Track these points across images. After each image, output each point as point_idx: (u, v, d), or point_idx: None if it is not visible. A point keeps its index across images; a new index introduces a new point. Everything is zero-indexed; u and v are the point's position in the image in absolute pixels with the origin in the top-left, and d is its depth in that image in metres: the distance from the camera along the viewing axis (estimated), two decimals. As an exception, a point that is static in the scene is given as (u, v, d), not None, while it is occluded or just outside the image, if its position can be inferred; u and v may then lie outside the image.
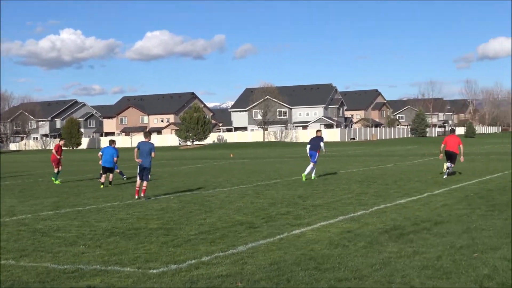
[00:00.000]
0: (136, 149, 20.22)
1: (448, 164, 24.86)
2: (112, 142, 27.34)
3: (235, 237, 11.95)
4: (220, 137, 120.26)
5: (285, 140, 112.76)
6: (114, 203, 18.85)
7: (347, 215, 14.56)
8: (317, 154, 26.28)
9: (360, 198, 18.00)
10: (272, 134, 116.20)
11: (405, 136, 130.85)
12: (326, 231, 12.30)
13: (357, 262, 9.43)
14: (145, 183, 19.87)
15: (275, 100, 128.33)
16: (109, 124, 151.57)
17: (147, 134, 20.63)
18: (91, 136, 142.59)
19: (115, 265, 9.74)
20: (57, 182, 27.91)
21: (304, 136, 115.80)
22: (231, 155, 59.69)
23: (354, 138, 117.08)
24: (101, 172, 26.19)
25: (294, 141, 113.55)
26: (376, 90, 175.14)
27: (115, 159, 25.87)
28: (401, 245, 10.63)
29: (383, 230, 12.16)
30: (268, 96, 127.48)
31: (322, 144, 26.40)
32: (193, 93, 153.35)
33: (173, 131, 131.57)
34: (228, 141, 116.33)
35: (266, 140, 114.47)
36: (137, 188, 20.06)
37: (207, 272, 9.09)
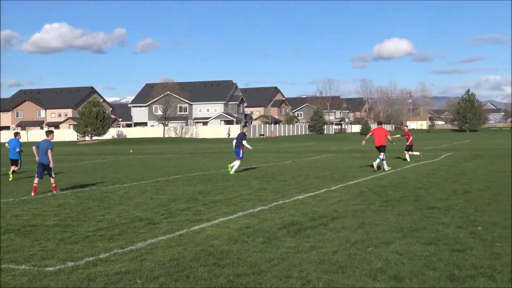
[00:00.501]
0: (34, 147, 20.15)
1: (381, 156, 26.60)
2: (16, 134, 28.49)
3: (134, 234, 11.87)
4: (119, 132, 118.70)
5: (186, 136, 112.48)
6: (8, 199, 18.31)
7: (246, 211, 14.71)
8: (241, 150, 26.98)
9: (259, 194, 18.20)
10: (173, 129, 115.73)
11: (303, 133, 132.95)
12: (225, 227, 12.39)
13: (256, 257, 9.56)
14: (52, 179, 19.91)
15: (175, 96, 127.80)
16: (4, 118, 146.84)
17: (49, 132, 20.32)
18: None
19: (9, 263, 9.50)
20: None
21: (204, 132, 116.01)
22: (131, 151, 59.01)
23: (262, 135, 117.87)
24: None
25: (194, 137, 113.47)
26: (276, 88, 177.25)
27: (18, 150, 27.03)
28: (299, 240, 10.84)
29: (281, 226, 12.36)
30: (168, 92, 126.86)
31: (244, 142, 27.07)
32: (92, 88, 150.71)
33: (71, 126, 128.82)
34: (127, 136, 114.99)
35: (166, 136, 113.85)
36: (34, 185, 19.66)
37: (105, 269, 9.00)
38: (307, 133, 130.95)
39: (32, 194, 19.39)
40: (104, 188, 21.28)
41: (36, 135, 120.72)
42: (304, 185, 20.69)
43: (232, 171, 26.52)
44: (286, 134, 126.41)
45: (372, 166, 26.97)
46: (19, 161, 27.63)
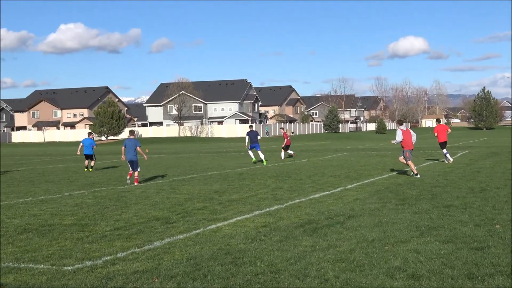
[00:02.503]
0: (123, 147, 23.03)
1: (444, 151, 29.36)
2: (90, 134, 33.46)
3: (151, 233, 11.91)
4: (135, 132, 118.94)
5: (201, 135, 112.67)
6: (26, 199, 18.44)
7: (263, 209, 14.72)
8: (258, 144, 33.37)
9: (275, 193, 18.20)
10: (188, 129, 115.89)
11: (318, 131, 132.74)
12: (242, 226, 12.41)
13: (273, 256, 9.56)
14: (136, 172, 22.51)
15: (190, 95, 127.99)
16: (20, 118, 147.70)
17: (132, 132, 23.94)
18: (2, 131, 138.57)
19: (28, 263, 9.56)
20: None
21: (220, 131, 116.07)
22: (146, 150, 59.11)
23: (293, 132, 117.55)
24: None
25: (209, 136, 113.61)
26: (290, 86, 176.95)
27: (93, 146, 31.41)
28: (316, 239, 10.83)
29: (298, 225, 12.35)
30: (183, 91, 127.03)
31: (258, 137, 33.70)
32: (107, 88, 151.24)
33: (87, 126, 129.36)
34: (143, 136, 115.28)
35: (181, 135, 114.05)
36: (130, 174, 22.64)
37: (123, 268, 9.04)
38: (322, 131, 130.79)
39: (135, 183, 22.15)
40: (121, 187, 21.36)
41: (52, 135, 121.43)
42: (320, 184, 20.67)
43: (265, 163, 31.97)
44: (301, 133, 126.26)
45: (448, 161, 28.98)
46: (93, 156, 31.48)
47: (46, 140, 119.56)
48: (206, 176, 25.23)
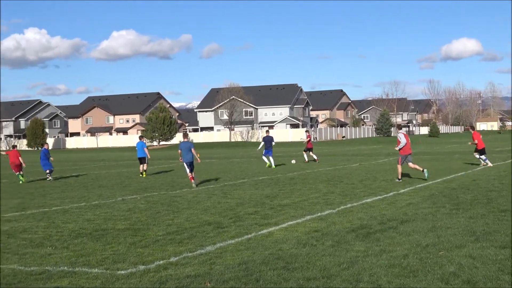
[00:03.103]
0: (179, 150, 24.55)
1: (483, 156, 29.89)
2: (141, 137, 33.70)
3: (203, 237, 11.96)
4: (188, 134, 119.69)
5: (252, 140, 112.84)
6: (80, 204, 18.72)
7: (314, 214, 14.65)
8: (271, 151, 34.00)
9: (327, 198, 18.10)
10: (239, 134, 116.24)
11: (370, 135, 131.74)
12: (293, 231, 12.37)
13: (325, 261, 9.50)
14: (193, 173, 24.06)
15: (240, 100, 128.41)
16: (74, 125, 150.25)
17: (185, 135, 25.18)
18: (56, 137, 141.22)
19: (82, 267, 9.69)
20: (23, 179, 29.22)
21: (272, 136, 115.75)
22: (198, 155, 59.48)
23: (344, 137, 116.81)
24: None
25: (260, 141, 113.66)
26: (341, 90, 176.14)
27: (145, 149, 31.53)
28: (368, 244, 10.73)
29: (350, 229, 12.26)
30: (233, 96, 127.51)
31: (273, 143, 34.85)
32: (158, 93, 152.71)
33: (139, 131, 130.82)
34: (194, 141, 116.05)
35: (232, 140, 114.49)
36: (190, 176, 23.93)
37: (176, 273, 9.09)
38: (374, 135, 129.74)
39: (193, 184, 23.59)
40: (173, 192, 21.53)
41: (105, 140, 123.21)
42: (372, 188, 20.49)
43: (273, 166, 33.67)
44: (353, 137, 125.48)
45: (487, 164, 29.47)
46: (146, 159, 31.80)
47: (99, 146, 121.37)
48: (257, 180, 25.25)
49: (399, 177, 22.86)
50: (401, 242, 10.79)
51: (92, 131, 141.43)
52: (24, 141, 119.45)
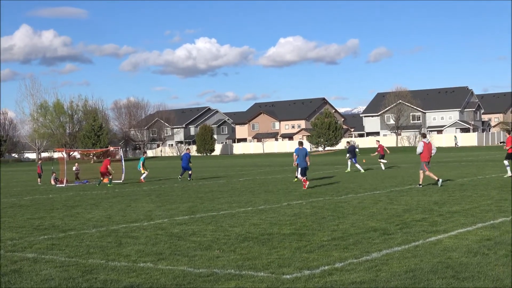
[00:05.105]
0: (294, 155, 27.18)
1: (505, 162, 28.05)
2: (300, 143, 28.65)
3: (369, 244, 11.76)
4: (352, 142, 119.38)
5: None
6: (247, 208, 19.07)
7: (486, 222, 14.00)
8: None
9: (500, 205, 17.25)
10: (406, 138, 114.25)
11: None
12: (464, 239, 11.87)
13: (498, 271, 9.02)
14: (304, 178, 25.99)
15: (408, 104, 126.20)
16: (241, 131, 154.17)
17: (301, 142, 27.49)
18: (224, 143, 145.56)
19: (249, 270, 9.81)
20: (110, 185, 33.39)
21: (439, 141, 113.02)
22: (363, 161, 59.06)
23: (503, 142, 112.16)
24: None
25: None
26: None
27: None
28: (546, 254, 10.08)
29: (526, 238, 11.59)
30: (400, 101, 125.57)
31: (357, 150, 38.31)
32: (324, 99, 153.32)
33: (305, 137, 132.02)
34: (360, 146, 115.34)
35: (399, 145, 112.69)
36: (302, 181, 26.03)
37: (341, 279, 8.98)
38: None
39: (304, 188, 25.39)
40: (338, 198, 21.43)
41: (271, 146, 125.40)
42: (549, 195, 19.30)
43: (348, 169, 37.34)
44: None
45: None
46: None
47: (265, 151, 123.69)
48: (425, 186, 24.57)
49: (420, 182, 24.62)
50: None
51: (259, 137, 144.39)
52: (194, 147, 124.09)
